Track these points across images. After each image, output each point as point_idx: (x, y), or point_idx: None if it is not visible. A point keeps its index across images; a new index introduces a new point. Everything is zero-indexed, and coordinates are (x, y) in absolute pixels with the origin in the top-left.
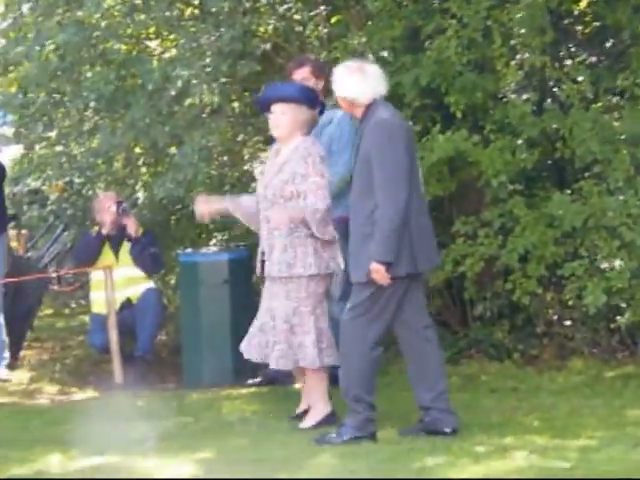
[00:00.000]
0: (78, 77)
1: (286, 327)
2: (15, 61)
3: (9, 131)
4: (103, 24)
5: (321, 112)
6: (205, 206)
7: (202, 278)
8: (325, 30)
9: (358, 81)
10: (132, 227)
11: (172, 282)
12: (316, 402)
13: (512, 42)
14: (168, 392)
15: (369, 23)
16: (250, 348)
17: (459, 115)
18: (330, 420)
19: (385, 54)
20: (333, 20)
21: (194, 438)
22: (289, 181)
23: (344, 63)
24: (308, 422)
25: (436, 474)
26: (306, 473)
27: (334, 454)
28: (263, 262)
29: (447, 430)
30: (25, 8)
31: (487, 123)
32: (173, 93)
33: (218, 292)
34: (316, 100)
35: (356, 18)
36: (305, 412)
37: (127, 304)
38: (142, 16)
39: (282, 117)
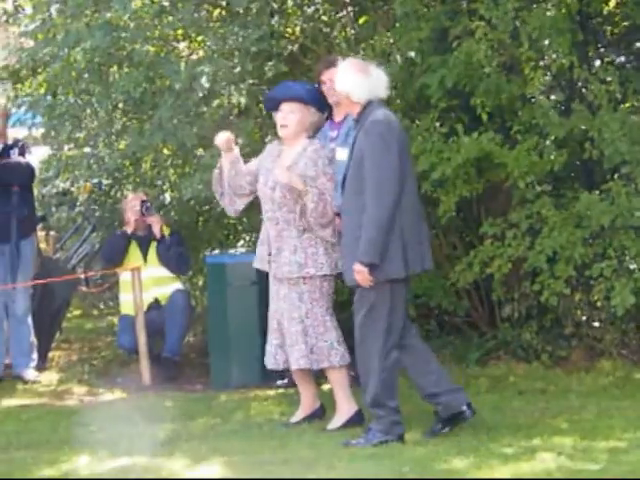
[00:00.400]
0: (106, 78)
1: (300, 328)
2: (43, 62)
3: (38, 132)
4: (131, 25)
5: (329, 117)
6: (229, 137)
7: (230, 280)
8: (352, 31)
9: (355, 77)
10: (156, 226)
11: (200, 283)
12: (341, 403)
13: (539, 43)
14: (196, 393)
15: (396, 24)
16: (271, 358)
17: (484, 118)
18: (357, 419)
19: (412, 55)
20: (360, 21)
21: (222, 439)
22: None
23: (348, 59)
24: (335, 423)
25: (464, 475)
26: (334, 474)
27: (362, 455)
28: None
29: (463, 407)
30: (53, 10)
31: (514, 124)
32: (201, 94)
33: (245, 294)
34: (324, 103)
35: (383, 19)
36: (305, 418)
37: (155, 305)
38: (170, 18)
39: (290, 116)
